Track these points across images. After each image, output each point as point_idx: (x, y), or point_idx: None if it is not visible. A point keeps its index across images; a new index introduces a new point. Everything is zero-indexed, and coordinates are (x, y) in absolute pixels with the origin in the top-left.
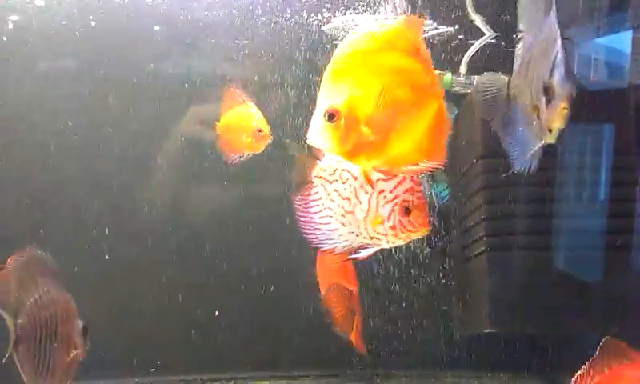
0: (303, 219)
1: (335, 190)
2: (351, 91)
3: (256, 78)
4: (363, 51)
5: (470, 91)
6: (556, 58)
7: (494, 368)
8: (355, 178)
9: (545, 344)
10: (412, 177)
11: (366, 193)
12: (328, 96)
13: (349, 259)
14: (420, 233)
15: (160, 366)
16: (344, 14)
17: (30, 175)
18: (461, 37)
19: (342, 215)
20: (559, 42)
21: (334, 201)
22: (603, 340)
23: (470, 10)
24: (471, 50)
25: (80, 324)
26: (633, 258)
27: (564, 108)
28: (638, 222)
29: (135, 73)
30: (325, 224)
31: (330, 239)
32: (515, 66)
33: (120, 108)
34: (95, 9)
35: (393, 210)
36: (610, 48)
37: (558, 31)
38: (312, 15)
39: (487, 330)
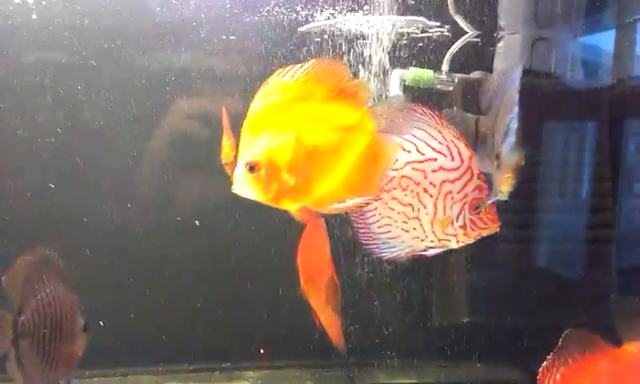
0: (362, 231)
1: (394, 199)
2: (269, 142)
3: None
4: (279, 103)
5: (451, 89)
6: (509, 125)
7: (472, 358)
8: (417, 184)
9: (522, 334)
10: (479, 174)
11: (431, 196)
12: (248, 148)
13: (328, 254)
14: (491, 229)
15: (146, 357)
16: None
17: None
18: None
19: (404, 222)
20: (515, 109)
21: (393, 209)
22: (565, 331)
23: (450, 8)
24: (453, 48)
25: (82, 322)
26: (610, 251)
27: (509, 177)
28: (615, 216)
29: (123, 68)
30: (385, 233)
31: (392, 247)
32: (495, 64)
33: (108, 103)
34: (83, 3)
35: (462, 209)
36: (590, 46)
37: (517, 94)
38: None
39: (465, 320)
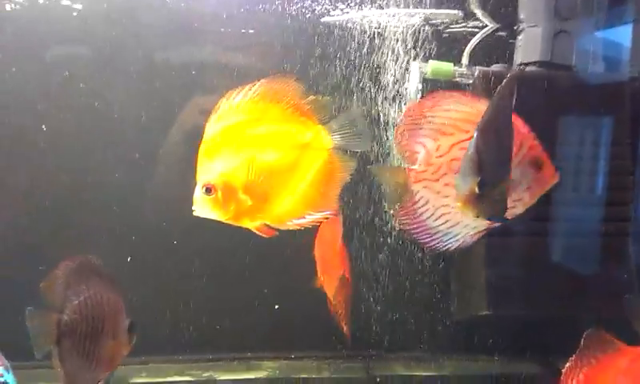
0: (417, 230)
1: (447, 185)
2: (224, 164)
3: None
4: (232, 126)
5: (471, 81)
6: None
7: (490, 351)
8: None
9: (541, 328)
10: (527, 132)
11: None
12: (204, 172)
13: (343, 245)
14: (552, 181)
15: (166, 346)
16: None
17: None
18: (462, 26)
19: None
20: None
21: (447, 196)
22: (586, 332)
23: (471, 0)
24: (473, 41)
25: (127, 322)
26: (627, 246)
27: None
28: (632, 211)
29: (142, 62)
30: (443, 224)
31: (456, 235)
32: (515, 57)
33: (125, 99)
34: None
35: (522, 171)
36: (611, 39)
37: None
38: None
39: (485, 313)
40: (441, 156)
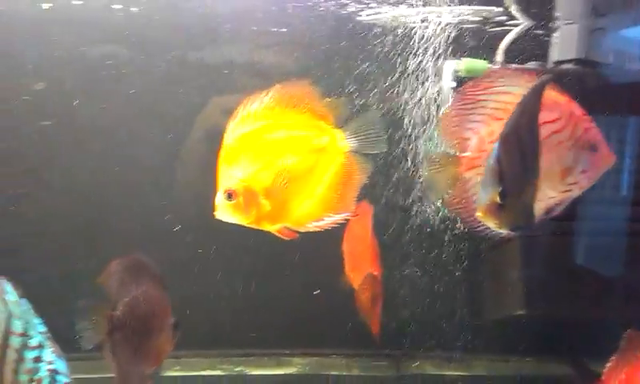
0: (471, 218)
1: None
2: (244, 171)
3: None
4: (250, 133)
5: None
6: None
7: (521, 352)
8: None
9: (574, 329)
10: (582, 114)
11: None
12: (225, 178)
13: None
14: (609, 163)
15: (198, 342)
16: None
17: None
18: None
19: None
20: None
21: None
22: (626, 332)
23: None
24: (508, 38)
25: (172, 320)
26: None
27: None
28: None
29: (174, 61)
30: None
31: None
32: (551, 55)
33: (155, 97)
34: None
35: (578, 153)
36: None
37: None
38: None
39: (520, 313)
40: (494, 141)
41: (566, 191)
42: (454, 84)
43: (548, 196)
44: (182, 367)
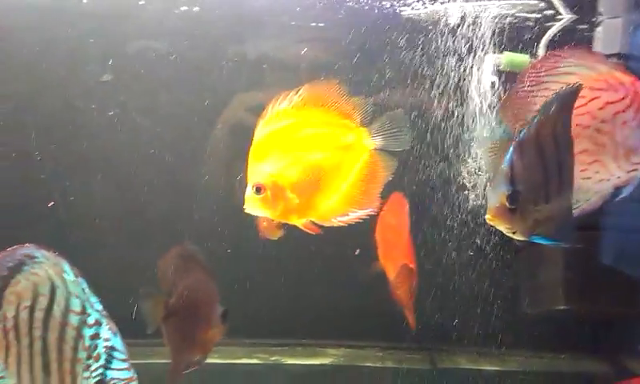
0: None
1: None
2: (273, 166)
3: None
4: (279, 129)
5: None
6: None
7: (556, 349)
8: (587, 127)
9: (609, 326)
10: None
11: (607, 133)
12: (254, 173)
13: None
14: None
15: (238, 331)
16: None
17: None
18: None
19: (583, 170)
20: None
21: None
22: None
23: None
24: (551, 32)
25: (220, 309)
26: None
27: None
28: None
29: (208, 56)
30: None
31: (576, 203)
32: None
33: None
34: None
35: None
36: None
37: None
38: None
39: (561, 307)
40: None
41: (632, 171)
42: (495, 78)
43: (615, 176)
44: (220, 355)
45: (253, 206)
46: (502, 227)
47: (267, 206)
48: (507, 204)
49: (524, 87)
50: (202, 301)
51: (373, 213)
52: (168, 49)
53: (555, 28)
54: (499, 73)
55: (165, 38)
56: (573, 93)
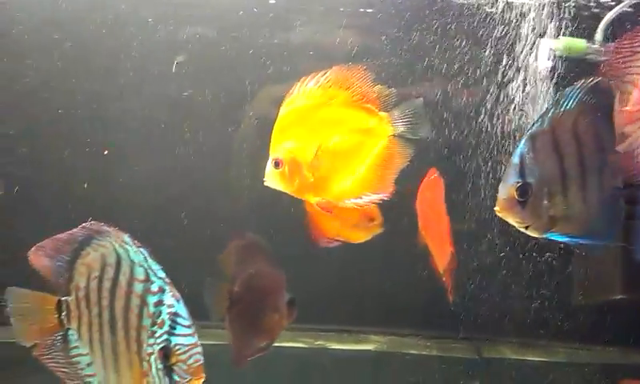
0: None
1: None
2: (293, 143)
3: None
4: (303, 108)
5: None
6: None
7: (605, 341)
8: None
9: None
10: None
11: None
12: (274, 147)
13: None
14: None
15: None
16: None
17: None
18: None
19: None
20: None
21: None
22: None
23: None
24: (609, 16)
25: (287, 296)
26: None
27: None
28: None
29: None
30: None
31: None
32: None
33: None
34: None
35: None
36: None
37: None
38: None
39: (617, 297)
40: None
41: None
42: (551, 63)
43: None
44: None
45: (271, 179)
46: (512, 220)
47: (284, 180)
48: (516, 196)
49: (618, 58)
50: (267, 288)
51: (385, 198)
52: (218, 36)
53: (614, 11)
54: (556, 58)
55: (213, 25)
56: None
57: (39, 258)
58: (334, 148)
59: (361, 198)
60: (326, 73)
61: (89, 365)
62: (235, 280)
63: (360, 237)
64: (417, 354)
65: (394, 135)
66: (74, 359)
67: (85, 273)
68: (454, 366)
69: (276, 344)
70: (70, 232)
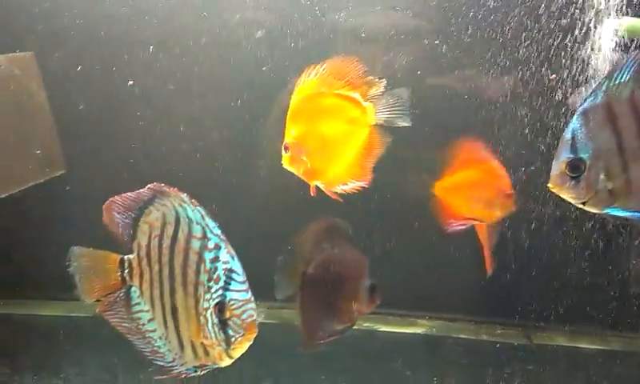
0: None
1: None
2: (296, 130)
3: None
4: (304, 97)
5: None
6: None
7: None
8: None
9: None
10: None
11: None
12: (287, 132)
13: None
14: None
15: None
16: None
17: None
18: None
19: None
20: None
21: None
22: None
23: None
24: None
25: (368, 282)
26: None
27: None
28: None
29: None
30: None
31: None
32: None
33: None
34: None
35: None
36: None
37: None
38: None
39: None
40: None
41: None
42: (614, 45)
43: None
44: None
45: (284, 162)
46: (566, 196)
47: (292, 164)
48: (567, 172)
49: None
50: (345, 273)
51: (365, 186)
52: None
53: None
54: (619, 39)
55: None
56: None
57: (110, 212)
58: (324, 136)
59: (347, 184)
60: (324, 64)
61: (149, 321)
62: (310, 261)
63: (494, 215)
64: (466, 338)
65: (375, 125)
66: (135, 315)
67: (147, 231)
68: (505, 350)
69: None
70: (137, 191)
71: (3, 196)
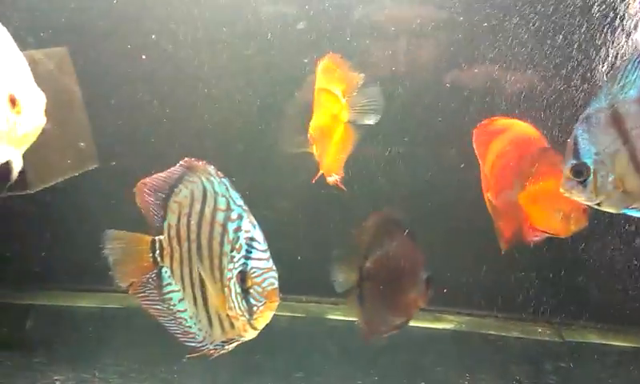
0: None
1: None
2: (311, 122)
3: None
4: (316, 90)
5: None
6: None
7: None
8: None
9: None
10: None
11: None
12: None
13: None
14: None
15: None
16: None
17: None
18: None
19: None
20: None
21: None
22: None
23: None
24: None
25: (424, 275)
26: None
27: None
28: None
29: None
30: None
31: None
32: None
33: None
34: None
35: None
36: None
37: None
38: None
39: None
40: None
41: None
42: None
43: None
44: (342, 312)
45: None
46: (577, 199)
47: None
48: (572, 177)
49: None
50: (405, 266)
51: (338, 181)
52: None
53: None
54: None
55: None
56: None
57: (142, 194)
58: (316, 129)
59: (331, 176)
60: (324, 58)
61: (180, 301)
62: (368, 255)
63: (569, 229)
64: (497, 334)
65: (349, 121)
66: (166, 296)
67: (176, 210)
68: (535, 347)
69: (352, 318)
70: (169, 170)
71: (40, 189)
